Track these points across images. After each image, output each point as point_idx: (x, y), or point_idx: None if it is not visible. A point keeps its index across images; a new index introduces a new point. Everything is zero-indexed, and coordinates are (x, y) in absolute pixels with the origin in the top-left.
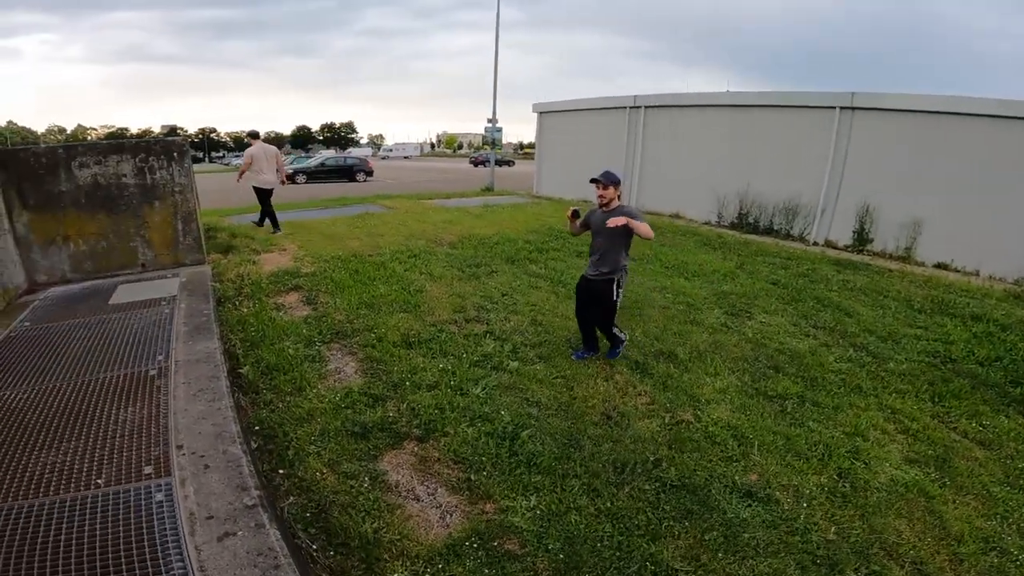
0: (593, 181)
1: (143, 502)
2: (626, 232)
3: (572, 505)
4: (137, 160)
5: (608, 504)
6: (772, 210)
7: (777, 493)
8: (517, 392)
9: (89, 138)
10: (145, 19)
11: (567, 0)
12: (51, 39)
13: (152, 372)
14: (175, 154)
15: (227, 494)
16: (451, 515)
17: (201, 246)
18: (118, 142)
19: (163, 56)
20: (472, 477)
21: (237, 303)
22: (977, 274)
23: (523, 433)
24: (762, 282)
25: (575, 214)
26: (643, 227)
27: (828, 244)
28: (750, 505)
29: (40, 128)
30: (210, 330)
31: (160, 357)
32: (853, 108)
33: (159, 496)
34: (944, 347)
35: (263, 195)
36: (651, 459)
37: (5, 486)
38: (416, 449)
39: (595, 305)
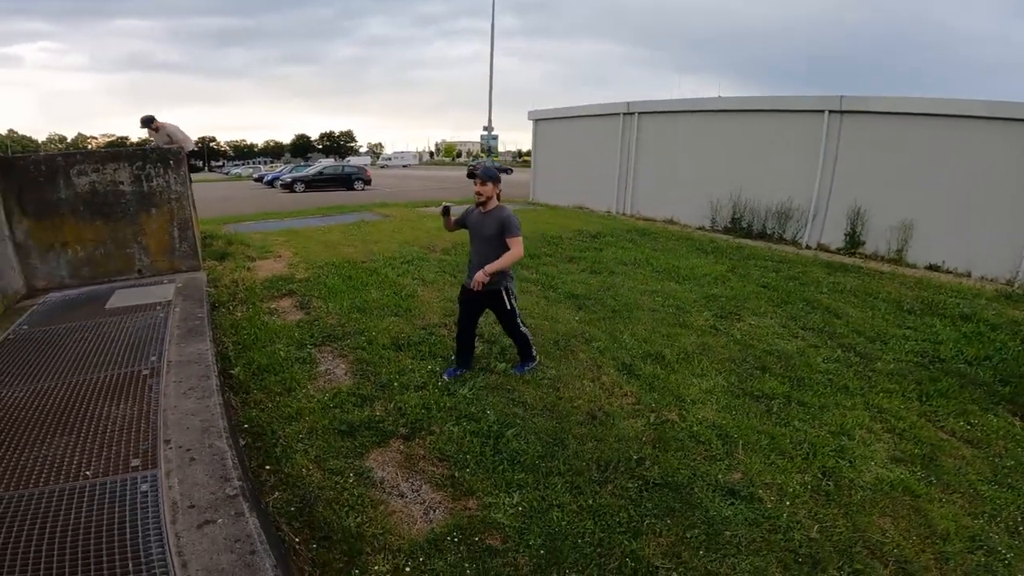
0: (470, 175)
1: (128, 492)
2: (502, 240)
3: (554, 502)
4: (134, 168)
5: (590, 501)
6: (765, 214)
7: (760, 491)
8: (504, 392)
9: (89, 147)
10: (147, 28)
11: (565, 9)
12: (51, 47)
13: (145, 372)
14: (171, 162)
15: (210, 484)
16: (434, 511)
17: (197, 253)
18: (115, 150)
19: (165, 64)
20: (456, 474)
21: (231, 308)
22: (969, 275)
23: (508, 432)
24: (752, 285)
25: (446, 210)
26: (510, 256)
27: (821, 247)
28: (733, 503)
29: (41, 137)
30: (203, 333)
31: (153, 358)
32: (842, 112)
33: (144, 487)
34: (933, 347)
35: None
36: (635, 458)
37: (2, 475)
38: (402, 447)
39: (478, 316)
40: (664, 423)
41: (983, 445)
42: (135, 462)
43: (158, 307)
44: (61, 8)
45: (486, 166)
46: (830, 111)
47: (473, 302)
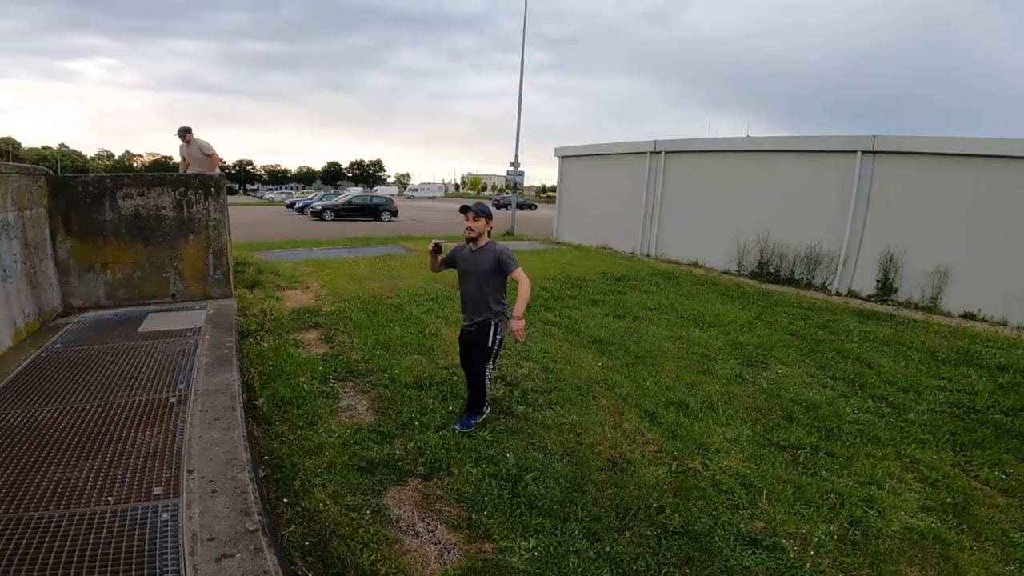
0: (463, 210)
1: (149, 520)
2: (500, 274)
3: (571, 548)
4: (177, 193)
5: (608, 548)
6: (793, 259)
7: (783, 541)
8: (524, 436)
9: (135, 165)
10: (198, 49)
11: (594, 45)
12: (110, 63)
13: (172, 399)
14: (212, 189)
15: (230, 518)
16: (449, 552)
17: (229, 280)
18: (161, 175)
19: (212, 86)
20: (473, 516)
21: (259, 338)
22: (1005, 323)
23: (527, 476)
24: (780, 333)
25: (437, 248)
26: (525, 290)
27: (851, 294)
28: (754, 552)
29: (89, 152)
30: (230, 362)
31: (181, 385)
32: (875, 152)
33: (165, 516)
34: (968, 398)
35: None
36: (655, 505)
37: (18, 497)
38: (420, 486)
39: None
40: (686, 471)
41: (1018, 494)
42: (157, 490)
43: (188, 333)
44: (122, 25)
45: (480, 201)
46: (863, 151)
47: (467, 345)
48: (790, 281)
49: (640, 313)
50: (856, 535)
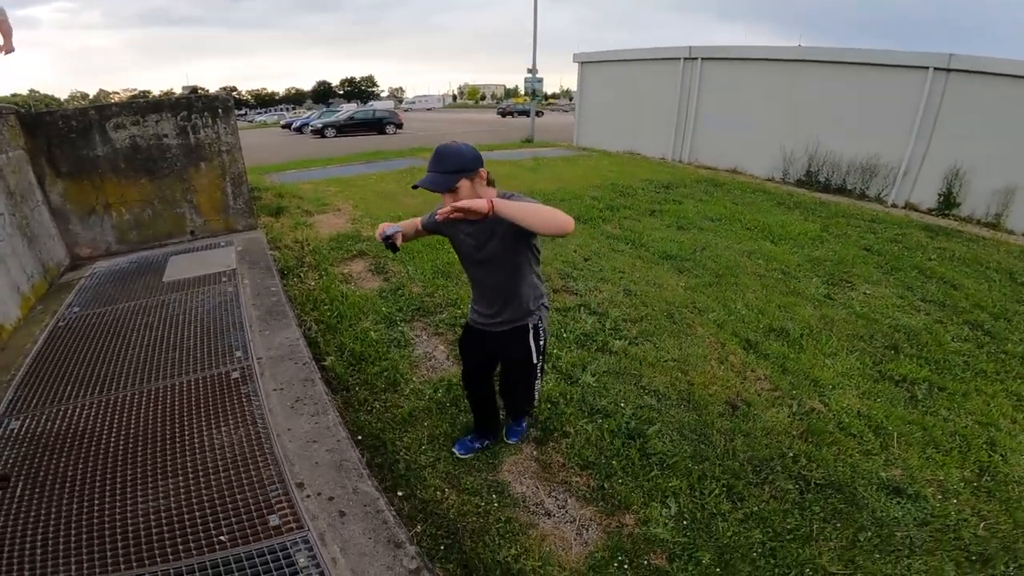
0: (425, 188)
1: (285, 568)
2: (523, 240)
3: (714, 511)
4: (178, 119)
5: (754, 507)
6: (847, 168)
7: (925, 489)
8: (630, 378)
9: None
10: None
11: None
12: (67, 6)
13: (235, 374)
14: (219, 110)
15: (380, 554)
16: (588, 530)
17: (252, 209)
18: (156, 100)
19: (184, 19)
20: (605, 485)
21: (302, 275)
22: None
23: (650, 430)
24: (853, 248)
25: (391, 246)
26: (543, 208)
27: (909, 206)
28: (899, 502)
29: (63, 95)
30: (285, 314)
31: (238, 353)
32: (949, 70)
33: (301, 559)
34: None
35: None
36: (789, 455)
37: (109, 549)
38: (536, 453)
39: (491, 370)
40: (809, 413)
41: None
42: (273, 519)
43: (223, 278)
44: None
45: (441, 147)
46: (935, 68)
47: (480, 349)
48: (841, 191)
49: (703, 224)
50: (989, 482)
